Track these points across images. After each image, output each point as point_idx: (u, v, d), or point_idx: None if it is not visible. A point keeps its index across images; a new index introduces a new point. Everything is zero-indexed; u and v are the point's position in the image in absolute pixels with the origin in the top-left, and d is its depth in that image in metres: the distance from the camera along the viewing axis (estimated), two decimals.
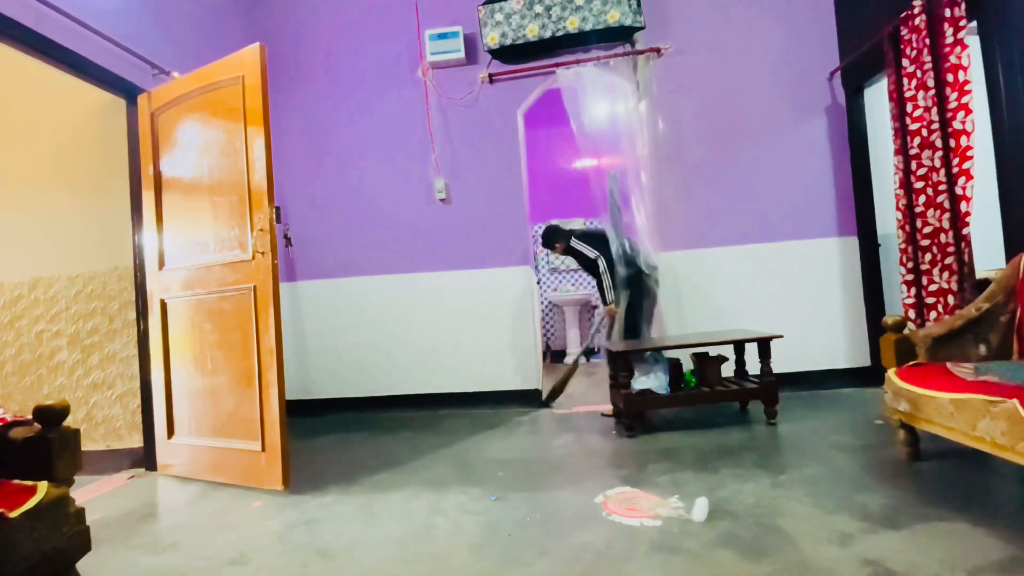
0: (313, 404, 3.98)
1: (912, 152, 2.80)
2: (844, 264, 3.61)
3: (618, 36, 3.70)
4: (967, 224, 2.54)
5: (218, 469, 2.63)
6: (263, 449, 2.47)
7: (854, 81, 3.51)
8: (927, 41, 2.67)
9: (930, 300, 2.75)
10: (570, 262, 6.21)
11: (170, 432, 2.82)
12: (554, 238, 3.67)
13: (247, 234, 2.55)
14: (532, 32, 3.64)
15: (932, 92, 2.66)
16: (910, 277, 2.90)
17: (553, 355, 6.07)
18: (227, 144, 2.62)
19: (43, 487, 1.42)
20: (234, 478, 2.56)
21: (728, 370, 3.29)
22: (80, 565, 1.51)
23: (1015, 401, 1.53)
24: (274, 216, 2.49)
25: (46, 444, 1.48)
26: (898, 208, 2.94)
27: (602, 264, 3.46)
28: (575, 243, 3.61)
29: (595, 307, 6.11)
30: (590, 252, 3.52)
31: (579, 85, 3.76)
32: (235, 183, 2.59)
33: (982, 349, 2.13)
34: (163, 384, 2.83)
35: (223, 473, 2.61)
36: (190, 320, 2.76)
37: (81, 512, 1.51)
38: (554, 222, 3.77)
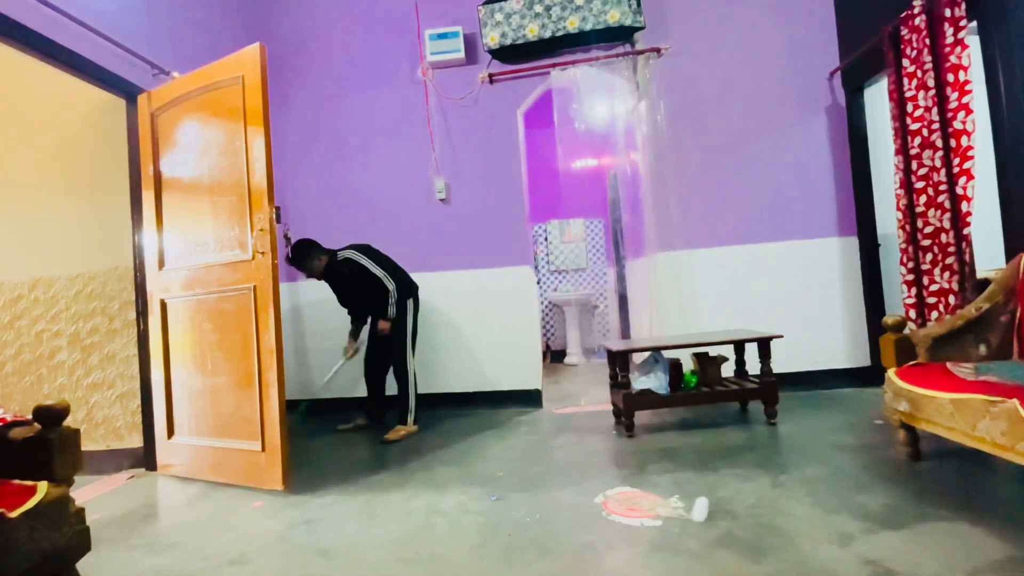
0: (313, 404, 3.98)
1: (912, 152, 2.80)
2: (844, 264, 3.61)
3: (618, 36, 3.70)
4: (968, 224, 2.54)
5: (218, 469, 2.63)
6: (263, 449, 2.47)
7: (854, 81, 3.51)
8: (927, 41, 2.67)
9: (931, 300, 2.75)
10: (569, 261, 6.22)
11: (170, 432, 2.82)
12: (312, 254, 3.18)
13: (247, 234, 2.55)
14: (532, 32, 3.64)
15: (932, 92, 2.66)
16: (911, 277, 2.90)
17: (553, 355, 6.07)
18: (227, 144, 2.62)
19: (43, 487, 1.42)
20: (234, 478, 2.56)
21: (728, 370, 3.29)
22: (80, 565, 1.51)
23: (1015, 401, 1.53)
24: (274, 216, 2.49)
25: (46, 444, 1.48)
26: (898, 208, 2.94)
27: (391, 283, 3.18)
28: (357, 257, 3.21)
29: (595, 307, 6.11)
30: (376, 269, 3.19)
31: (575, 86, 3.76)
32: (235, 183, 2.59)
33: (982, 349, 2.13)
34: (163, 384, 2.83)
35: (223, 473, 2.61)
36: (190, 320, 2.76)
37: (81, 512, 1.51)
38: (306, 239, 3.24)
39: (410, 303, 3.32)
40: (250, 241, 2.52)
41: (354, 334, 3.54)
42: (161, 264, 2.87)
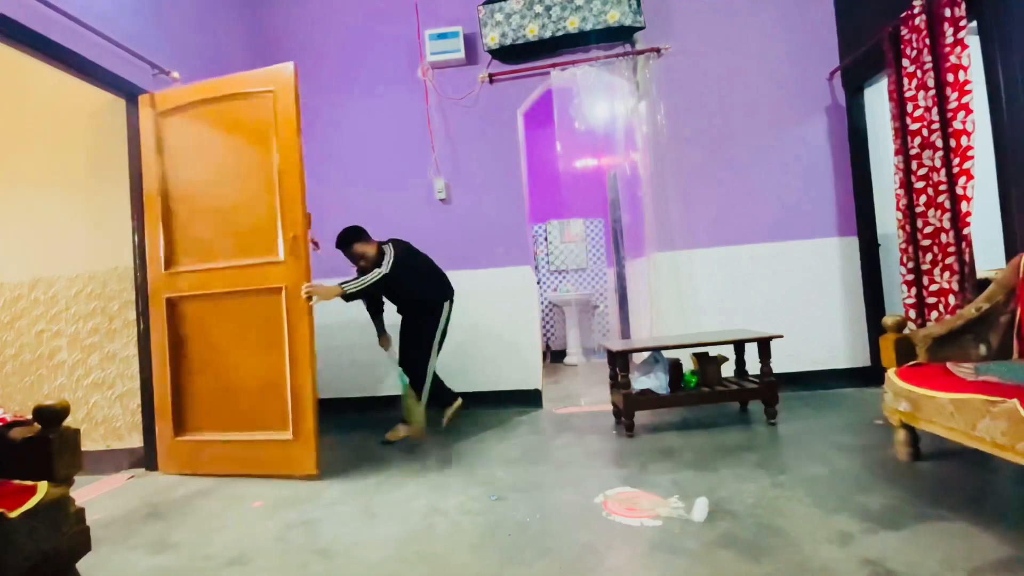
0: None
1: (912, 152, 2.80)
2: (844, 264, 3.61)
3: (618, 36, 3.70)
4: (967, 224, 2.54)
5: (239, 463, 2.71)
6: (295, 438, 2.62)
7: (854, 81, 3.51)
8: (927, 41, 2.67)
9: (931, 300, 2.75)
10: (569, 261, 6.22)
11: (178, 430, 2.83)
12: (362, 240, 3.05)
13: (279, 239, 2.68)
14: (532, 32, 3.64)
15: (932, 92, 2.66)
16: (911, 277, 2.90)
17: (553, 355, 6.07)
18: (254, 154, 2.74)
19: (43, 487, 1.42)
20: (260, 469, 2.66)
21: (728, 370, 3.29)
22: (80, 565, 1.51)
23: (1015, 401, 1.53)
24: (306, 222, 2.66)
25: (46, 444, 1.48)
26: (898, 208, 2.94)
27: (386, 268, 2.95)
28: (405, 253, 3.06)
29: (595, 307, 6.11)
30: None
31: (575, 86, 3.76)
32: (264, 191, 2.71)
33: (982, 349, 2.13)
34: (169, 383, 2.84)
35: (246, 466, 2.70)
36: (212, 319, 2.82)
37: (81, 512, 1.51)
38: (356, 225, 3.10)
39: (446, 306, 3.20)
40: (282, 245, 2.67)
41: (381, 328, 3.38)
42: (169, 264, 2.87)
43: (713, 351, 3.17)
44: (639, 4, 3.58)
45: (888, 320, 2.25)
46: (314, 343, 2.62)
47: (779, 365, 3.04)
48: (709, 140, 3.72)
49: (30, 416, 1.53)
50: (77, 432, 1.55)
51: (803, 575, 1.43)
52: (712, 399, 2.96)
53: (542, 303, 6.19)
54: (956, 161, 2.54)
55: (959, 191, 2.54)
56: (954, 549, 1.49)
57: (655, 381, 2.90)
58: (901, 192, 2.92)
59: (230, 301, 2.76)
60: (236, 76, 2.80)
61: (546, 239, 6.29)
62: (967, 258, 2.56)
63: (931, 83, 2.66)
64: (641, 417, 3.07)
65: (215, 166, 2.82)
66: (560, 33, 3.62)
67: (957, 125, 2.52)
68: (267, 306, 2.69)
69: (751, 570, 1.47)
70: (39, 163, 3.13)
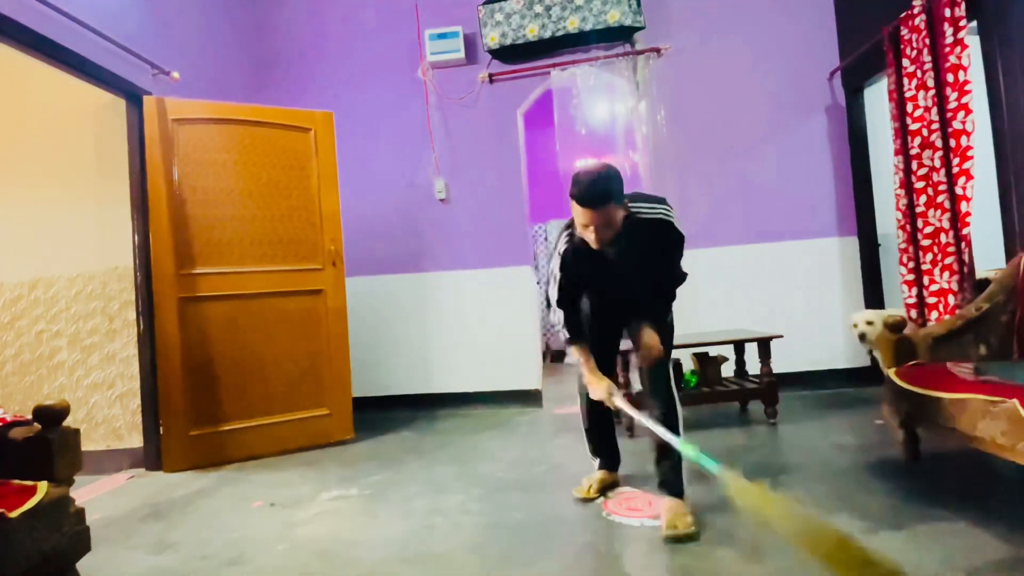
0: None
1: (912, 152, 2.80)
2: (844, 264, 3.61)
3: (618, 36, 3.69)
4: (967, 224, 2.54)
5: (275, 442, 3.00)
6: (332, 412, 3.15)
7: (854, 81, 3.51)
8: (927, 41, 2.67)
9: (931, 300, 2.75)
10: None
11: (194, 425, 2.87)
12: (616, 194, 1.70)
13: (318, 248, 3.18)
14: (532, 32, 3.64)
15: (932, 92, 2.65)
16: (911, 277, 2.90)
17: (553, 355, 6.07)
18: (292, 174, 3.15)
19: (43, 487, 1.42)
20: (301, 443, 3.05)
21: (728, 370, 3.29)
22: (80, 565, 1.51)
23: (1015, 401, 1.52)
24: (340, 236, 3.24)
25: (46, 444, 1.48)
26: (898, 208, 2.94)
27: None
28: (674, 220, 2.02)
29: None
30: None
31: (575, 86, 3.76)
32: (304, 208, 3.16)
33: (982, 349, 2.13)
34: (181, 380, 2.87)
35: (285, 443, 3.02)
36: (242, 317, 3.00)
37: (81, 512, 1.51)
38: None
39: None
40: (322, 253, 3.18)
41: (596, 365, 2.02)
42: (183, 266, 2.89)
43: (713, 351, 3.17)
44: (639, 4, 3.58)
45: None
46: (348, 334, 3.23)
47: (779, 365, 3.03)
48: (709, 140, 3.72)
49: (30, 416, 1.53)
50: (77, 432, 1.56)
51: (803, 575, 1.43)
52: (712, 399, 2.96)
53: (542, 303, 6.18)
54: (956, 161, 2.54)
55: (959, 191, 2.53)
56: (954, 549, 1.49)
57: None
58: (901, 192, 2.92)
59: (264, 301, 3.04)
60: (274, 109, 3.21)
61: (546, 239, 6.28)
62: (967, 258, 2.56)
63: (931, 83, 2.66)
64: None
65: (246, 179, 3.04)
66: (560, 33, 3.62)
67: (957, 125, 2.52)
68: (308, 305, 3.14)
69: (751, 570, 1.47)
70: (39, 163, 3.13)
